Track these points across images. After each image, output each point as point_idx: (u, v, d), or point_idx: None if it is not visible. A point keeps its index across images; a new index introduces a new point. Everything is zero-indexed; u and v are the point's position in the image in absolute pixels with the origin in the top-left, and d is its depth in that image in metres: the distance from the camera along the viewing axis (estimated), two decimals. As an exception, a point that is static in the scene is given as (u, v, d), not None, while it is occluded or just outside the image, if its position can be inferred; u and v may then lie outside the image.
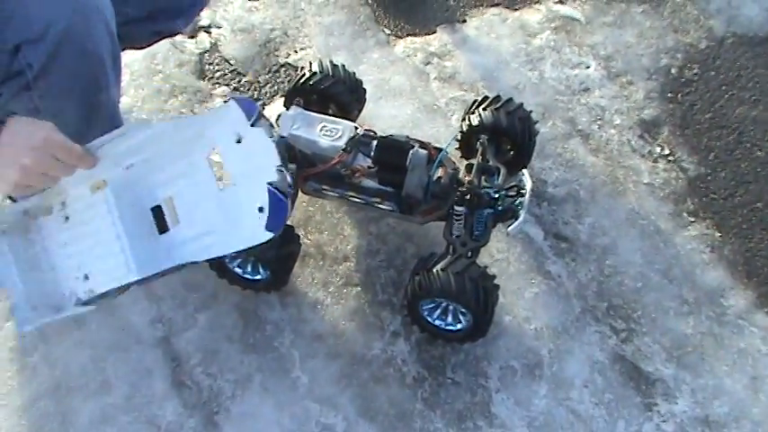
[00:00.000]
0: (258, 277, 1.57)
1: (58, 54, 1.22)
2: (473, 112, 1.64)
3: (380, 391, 1.50)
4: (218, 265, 1.55)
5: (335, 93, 1.67)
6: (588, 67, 2.02)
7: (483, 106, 1.63)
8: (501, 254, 1.68)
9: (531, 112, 1.64)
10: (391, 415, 1.47)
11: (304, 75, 1.68)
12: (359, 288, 1.63)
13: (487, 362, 1.54)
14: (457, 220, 1.50)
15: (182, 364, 1.53)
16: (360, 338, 1.57)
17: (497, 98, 1.64)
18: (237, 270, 1.57)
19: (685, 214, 1.75)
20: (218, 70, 2.03)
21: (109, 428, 1.45)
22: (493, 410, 1.48)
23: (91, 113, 1.36)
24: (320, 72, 1.67)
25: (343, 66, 1.71)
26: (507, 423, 1.46)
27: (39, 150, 1.16)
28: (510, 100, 1.63)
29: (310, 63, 1.69)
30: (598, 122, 1.91)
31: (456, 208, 1.49)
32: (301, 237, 1.63)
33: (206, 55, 2.06)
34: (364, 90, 1.77)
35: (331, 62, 1.70)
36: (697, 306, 1.61)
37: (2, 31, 1.20)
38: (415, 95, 1.95)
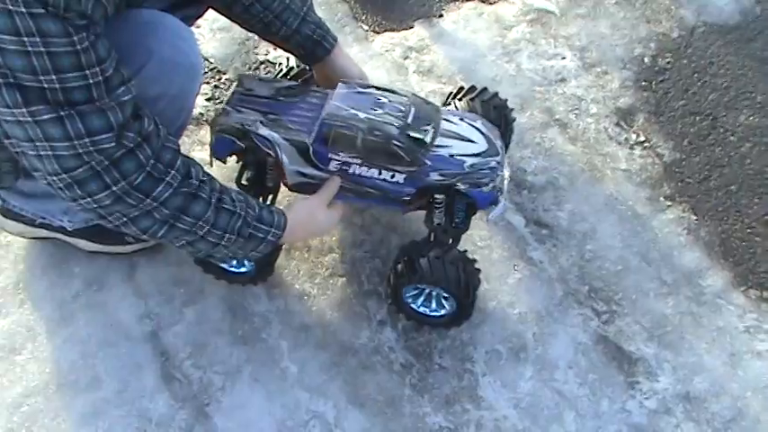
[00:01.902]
0: (243, 270, 1.59)
1: (163, 112, 1.26)
2: (449, 103, 1.66)
3: (369, 378, 1.52)
4: (203, 260, 1.57)
5: None
6: (564, 58, 2.06)
7: (459, 97, 1.66)
8: (483, 241, 1.71)
9: (506, 100, 1.67)
10: (380, 401, 1.49)
11: (281, 70, 1.70)
12: (344, 279, 1.65)
13: (473, 347, 1.56)
14: (437, 209, 1.52)
15: (171, 358, 1.54)
16: (347, 328, 1.59)
17: (472, 88, 1.66)
18: (225, 266, 1.58)
19: (662, 198, 1.79)
20: (198, 69, 2.04)
21: (101, 423, 1.46)
22: (480, 393, 1.50)
23: None
24: (297, 66, 1.69)
25: None
26: (494, 405, 1.49)
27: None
28: (485, 89, 1.65)
29: (288, 58, 1.71)
30: (575, 112, 1.95)
31: (436, 196, 1.51)
32: (286, 229, 1.65)
33: (186, 54, 2.07)
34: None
35: None
36: (675, 287, 1.65)
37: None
38: (395, 89, 1.98)
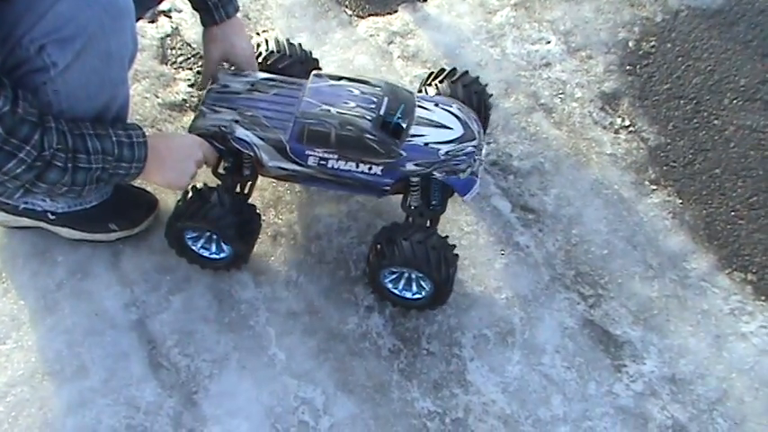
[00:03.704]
0: (222, 255, 1.58)
1: (83, 53, 1.23)
2: (430, 84, 1.65)
3: (357, 364, 1.52)
4: (179, 246, 1.56)
5: (293, 73, 1.66)
6: (548, 43, 2.06)
7: (440, 79, 1.65)
8: (470, 226, 1.71)
9: (486, 85, 1.66)
10: (369, 387, 1.49)
11: (260, 54, 1.68)
12: (331, 265, 1.65)
13: (461, 332, 1.57)
14: (413, 192, 1.52)
15: (158, 346, 1.53)
16: (334, 314, 1.58)
17: (453, 71, 1.65)
18: (202, 251, 1.57)
19: (647, 182, 1.80)
20: (180, 54, 2.02)
21: (87, 412, 1.45)
22: (468, 378, 1.51)
23: (103, 111, 1.38)
24: (277, 51, 1.68)
25: (300, 45, 1.71)
26: (482, 389, 1.49)
27: (199, 163, 1.48)
28: (466, 73, 1.64)
29: (266, 41, 1.69)
30: (560, 96, 1.95)
31: (412, 179, 1.51)
32: (272, 217, 1.65)
33: (168, 39, 2.05)
34: (320, 69, 1.76)
35: (287, 41, 1.70)
36: (661, 270, 1.66)
37: (31, 29, 1.19)
38: (380, 74, 1.97)
